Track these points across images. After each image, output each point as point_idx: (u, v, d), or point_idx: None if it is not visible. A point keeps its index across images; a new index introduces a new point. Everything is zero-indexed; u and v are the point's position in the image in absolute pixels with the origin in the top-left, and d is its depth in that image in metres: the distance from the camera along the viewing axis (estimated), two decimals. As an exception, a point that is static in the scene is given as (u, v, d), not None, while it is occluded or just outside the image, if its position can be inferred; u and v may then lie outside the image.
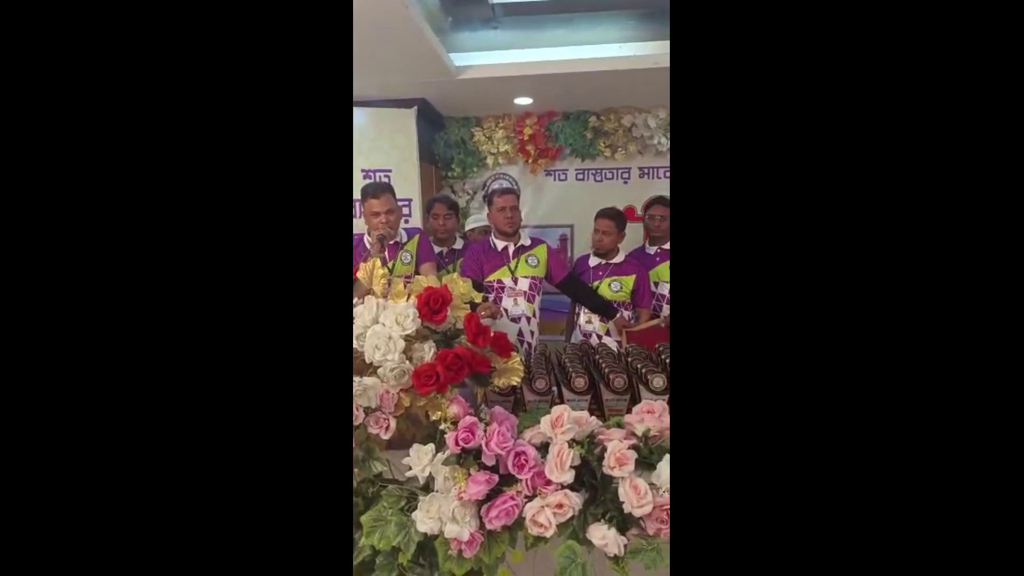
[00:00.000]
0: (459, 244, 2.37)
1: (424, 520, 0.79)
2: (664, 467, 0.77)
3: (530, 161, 2.89)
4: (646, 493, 0.75)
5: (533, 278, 2.07)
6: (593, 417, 0.88)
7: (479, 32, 2.26)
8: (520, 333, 2.04)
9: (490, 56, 2.29)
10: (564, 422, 0.81)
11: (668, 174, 2.90)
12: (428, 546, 0.81)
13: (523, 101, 2.64)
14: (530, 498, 0.79)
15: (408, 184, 2.50)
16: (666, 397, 0.99)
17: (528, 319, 2.05)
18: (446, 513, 0.78)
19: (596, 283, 2.14)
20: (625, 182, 2.93)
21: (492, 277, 2.05)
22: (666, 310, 2.20)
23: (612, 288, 2.13)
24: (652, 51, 2.22)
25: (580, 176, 2.97)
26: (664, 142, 2.77)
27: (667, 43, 2.20)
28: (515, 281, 2.04)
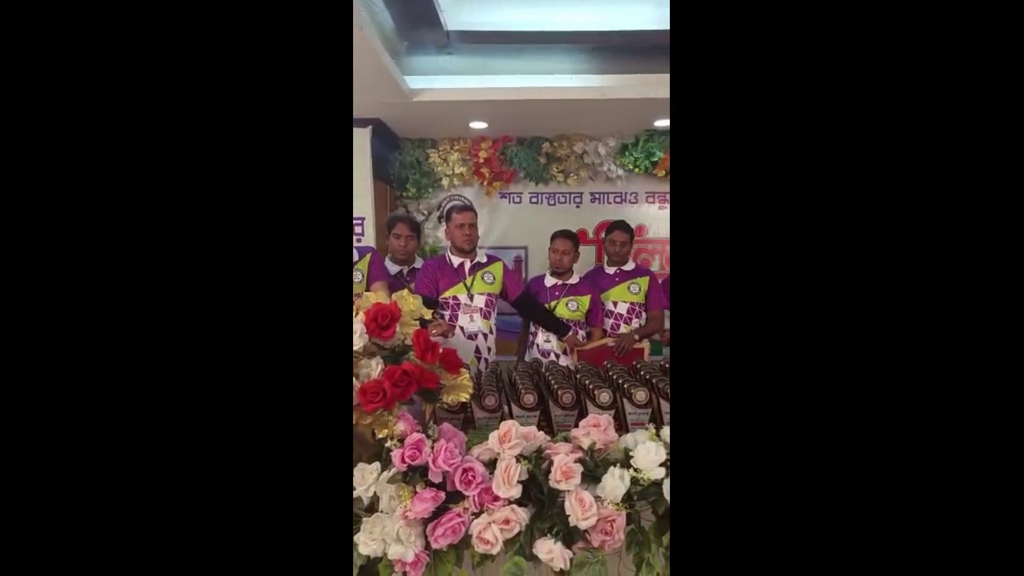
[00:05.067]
0: (419, 263, 2.36)
1: (367, 543, 0.77)
2: (608, 479, 0.79)
3: (485, 184, 2.93)
4: (591, 506, 0.76)
5: (489, 295, 2.08)
6: (541, 432, 0.89)
7: (434, 56, 2.30)
8: (477, 350, 2.03)
9: (445, 80, 2.33)
10: (512, 437, 0.82)
11: (617, 199, 3.02)
12: (371, 570, 0.79)
13: (478, 125, 2.69)
14: (477, 515, 0.78)
15: (361, 203, 2.48)
16: (612, 412, 1.02)
17: (485, 335, 2.06)
18: (390, 534, 0.76)
19: (554, 303, 2.18)
20: (577, 206, 3.02)
21: (448, 294, 2.05)
22: (623, 328, 2.26)
23: (569, 308, 2.18)
24: (601, 83, 2.33)
25: (534, 199, 3.03)
26: (614, 169, 2.89)
27: (614, 76, 2.32)
28: (471, 298, 2.05)
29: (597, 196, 3.03)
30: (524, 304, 2.15)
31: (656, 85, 2.29)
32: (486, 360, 2.03)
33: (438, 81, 2.32)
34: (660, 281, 2.44)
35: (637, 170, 2.88)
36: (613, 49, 2.29)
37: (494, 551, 0.76)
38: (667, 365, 1.25)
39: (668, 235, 3.00)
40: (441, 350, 0.92)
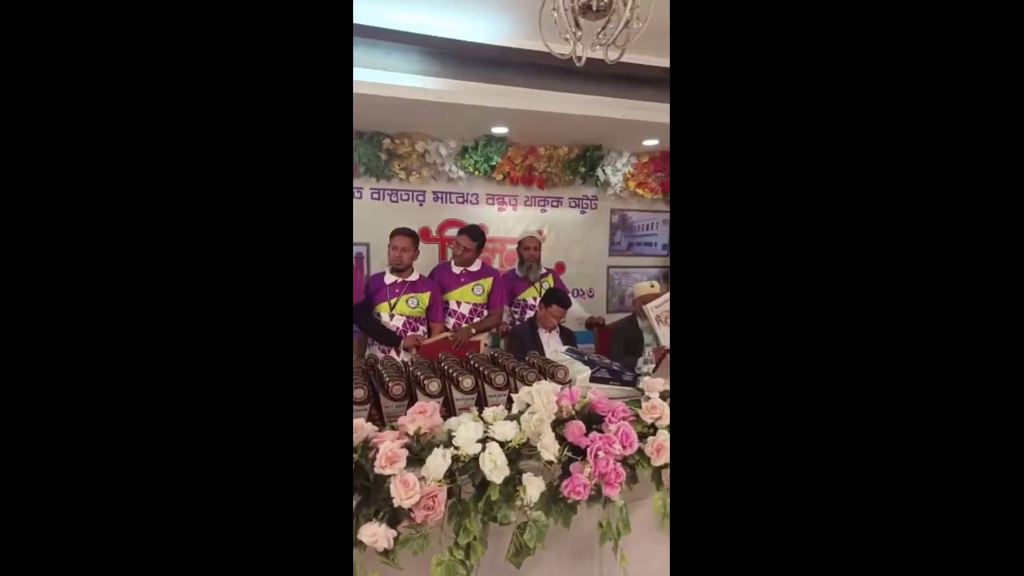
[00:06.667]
0: None
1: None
2: (431, 459, 0.86)
3: (322, 176, 2.79)
4: (414, 485, 0.82)
5: None
6: (368, 423, 0.92)
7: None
8: None
9: (274, 63, 2.17)
10: (337, 430, 0.84)
11: (460, 199, 3.13)
12: None
13: (313, 114, 2.55)
14: (300, 511, 0.78)
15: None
16: (440, 399, 1.09)
17: None
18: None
19: (394, 300, 2.19)
20: (420, 204, 3.06)
21: None
22: (463, 324, 2.37)
23: (409, 304, 2.21)
24: (439, 87, 2.40)
25: (376, 196, 2.98)
26: (455, 170, 3.00)
27: (453, 81, 2.42)
28: None
29: (440, 195, 3.10)
30: (358, 312, 2.14)
31: (492, 95, 2.45)
32: None
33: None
34: (500, 276, 2.62)
35: (477, 173, 3.03)
36: (453, 55, 2.38)
37: (317, 543, 0.77)
38: (496, 355, 1.37)
39: (506, 235, 3.22)
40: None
